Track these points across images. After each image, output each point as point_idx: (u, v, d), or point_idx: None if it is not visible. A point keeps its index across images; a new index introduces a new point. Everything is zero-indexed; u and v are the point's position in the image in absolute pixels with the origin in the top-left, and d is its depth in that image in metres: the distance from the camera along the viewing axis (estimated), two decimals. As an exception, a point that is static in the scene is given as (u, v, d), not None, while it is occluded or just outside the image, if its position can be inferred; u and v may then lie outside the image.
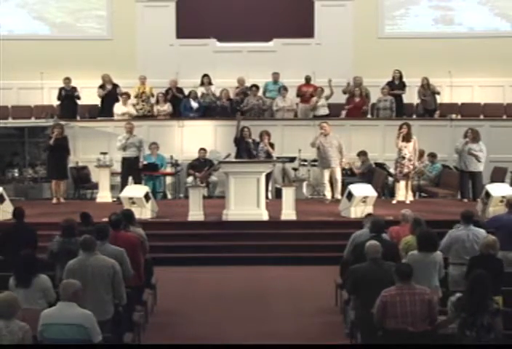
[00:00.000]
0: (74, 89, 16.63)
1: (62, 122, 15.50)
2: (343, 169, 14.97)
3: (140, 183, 14.49)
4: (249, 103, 16.49)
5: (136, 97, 16.65)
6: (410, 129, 14.33)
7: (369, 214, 9.68)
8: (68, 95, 16.56)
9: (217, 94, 16.79)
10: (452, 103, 17.36)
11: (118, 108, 16.41)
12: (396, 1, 18.41)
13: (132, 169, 14.61)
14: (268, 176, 14.45)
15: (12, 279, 7.19)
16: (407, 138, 14.22)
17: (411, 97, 17.07)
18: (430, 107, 16.81)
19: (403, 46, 17.54)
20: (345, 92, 16.84)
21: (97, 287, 7.21)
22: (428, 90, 16.75)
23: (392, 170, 14.96)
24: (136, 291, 8.34)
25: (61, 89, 16.56)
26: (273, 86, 17.10)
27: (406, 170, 14.24)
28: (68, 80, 16.56)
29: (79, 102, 16.81)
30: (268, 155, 14.64)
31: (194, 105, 16.62)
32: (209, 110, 16.63)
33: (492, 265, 7.61)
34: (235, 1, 18.23)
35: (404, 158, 14.23)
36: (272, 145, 14.94)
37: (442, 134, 16.08)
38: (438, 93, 16.90)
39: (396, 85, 16.84)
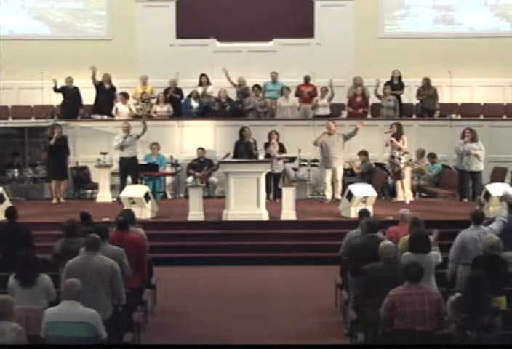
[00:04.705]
0: (76, 88, 16.66)
1: (61, 122, 15.52)
2: (343, 169, 14.96)
3: (137, 183, 14.49)
4: (251, 103, 16.51)
5: (134, 97, 16.67)
6: (400, 128, 14.41)
7: (363, 211, 9.65)
8: (72, 95, 16.58)
9: (215, 93, 16.79)
10: (452, 103, 17.34)
11: (116, 108, 16.44)
12: (396, 1, 18.41)
13: (130, 169, 14.62)
14: (277, 177, 14.54)
15: (13, 279, 7.18)
16: (396, 137, 14.33)
17: (410, 97, 17.05)
18: (428, 107, 16.80)
19: (403, 46, 17.53)
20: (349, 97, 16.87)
21: (95, 287, 7.21)
22: (427, 90, 16.75)
23: (391, 170, 15.03)
24: (136, 291, 8.34)
25: (62, 87, 16.55)
26: (271, 85, 17.11)
27: (396, 168, 14.32)
28: (69, 79, 16.57)
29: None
30: (278, 158, 14.79)
31: (194, 104, 16.65)
32: (208, 110, 16.64)
33: (496, 266, 7.60)
34: (235, 1, 18.21)
35: (393, 156, 14.34)
36: (282, 145, 14.99)
37: (442, 134, 16.07)
38: (417, 96, 16.79)
39: (395, 85, 16.84)
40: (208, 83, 16.89)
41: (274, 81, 17.11)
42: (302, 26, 17.85)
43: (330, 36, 17.63)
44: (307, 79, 16.98)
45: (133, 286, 8.14)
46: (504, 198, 9.92)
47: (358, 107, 16.59)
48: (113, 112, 16.46)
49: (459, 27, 18.34)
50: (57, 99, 16.92)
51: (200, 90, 16.81)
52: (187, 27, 17.78)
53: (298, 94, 16.93)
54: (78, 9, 18.36)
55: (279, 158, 14.83)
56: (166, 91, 16.80)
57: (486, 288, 6.51)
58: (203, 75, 16.88)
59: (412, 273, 6.72)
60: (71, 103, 16.61)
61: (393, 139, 14.39)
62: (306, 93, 16.82)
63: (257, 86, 16.69)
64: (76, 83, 16.69)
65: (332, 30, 17.62)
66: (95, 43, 17.71)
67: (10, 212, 9.71)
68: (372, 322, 7.25)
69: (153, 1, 17.92)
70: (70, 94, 16.59)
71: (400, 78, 16.91)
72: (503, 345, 6.41)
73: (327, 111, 16.57)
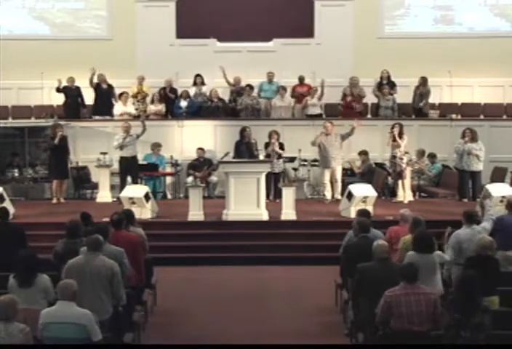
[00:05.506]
0: (78, 88, 16.67)
1: (62, 122, 15.51)
2: (343, 169, 14.98)
3: (137, 183, 14.50)
4: (243, 103, 16.50)
5: (132, 96, 16.69)
6: (402, 128, 14.42)
7: (362, 211, 9.66)
8: (73, 94, 16.58)
9: (208, 93, 16.78)
10: (452, 103, 17.36)
11: (118, 108, 16.45)
12: (396, 1, 18.41)
13: (130, 169, 14.63)
14: (277, 177, 14.53)
15: (13, 279, 7.19)
16: (398, 137, 14.34)
17: (410, 96, 17.02)
18: (415, 106, 16.81)
19: (403, 46, 17.53)
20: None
21: (94, 287, 7.22)
22: (421, 89, 16.74)
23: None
24: (136, 291, 8.34)
25: (64, 87, 16.54)
26: (267, 85, 17.09)
27: (398, 169, 14.32)
28: (71, 79, 16.58)
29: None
30: (279, 156, 14.78)
31: (183, 104, 16.64)
32: (202, 110, 16.63)
33: (488, 266, 7.60)
34: (235, 1, 18.21)
35: (395, 157, 14.36)
36: (282, 145, 14.98)
37: (442, 134, 16.08)
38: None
39: (385, 85, 16.83)
40: (202, 83, 16.88)
41: (270, 81, 17.10)
42: (302, 26, 17.85)
43: (330, 36, 17.62)
44: (301, 79, 16.98)
45: (132, 285, 8.13)
46: (487, 196, 9.93)
47: (349, 106, 16.57)
48: (114, 112, 16.46)
49: (459, 27, 18.35)
50: (57, 100, 16.92)
51: (193, 90, 16.80)
52: (187, 27, 17.79)
53: (293, 94, 16.92)
54: (78, 9, 18.36)
55: (280, 156, 14.80)
56: (161, 91, 16.81)
57: (476, 288, 6.51)
58: (198, 75, 16.88)
59: (408, 274, 6.71)
60: (73, 103, 16.62)
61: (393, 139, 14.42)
62: (300, 94, 16.79)
63: (248, 85, 16.67)
64: (76, 83, 16.70)
65: (332, 30, 17.61)
66: (95, 43, 17.72)
67: (1, 212, 9.76)
68: (364, 321, 7.26)
69: (153, 1, 17.92)
70: (72, 94, 16.60)
71: (389, 77, 16.91)
72: (495, 344, 6.40)
73: (317, 110, 16.57)
